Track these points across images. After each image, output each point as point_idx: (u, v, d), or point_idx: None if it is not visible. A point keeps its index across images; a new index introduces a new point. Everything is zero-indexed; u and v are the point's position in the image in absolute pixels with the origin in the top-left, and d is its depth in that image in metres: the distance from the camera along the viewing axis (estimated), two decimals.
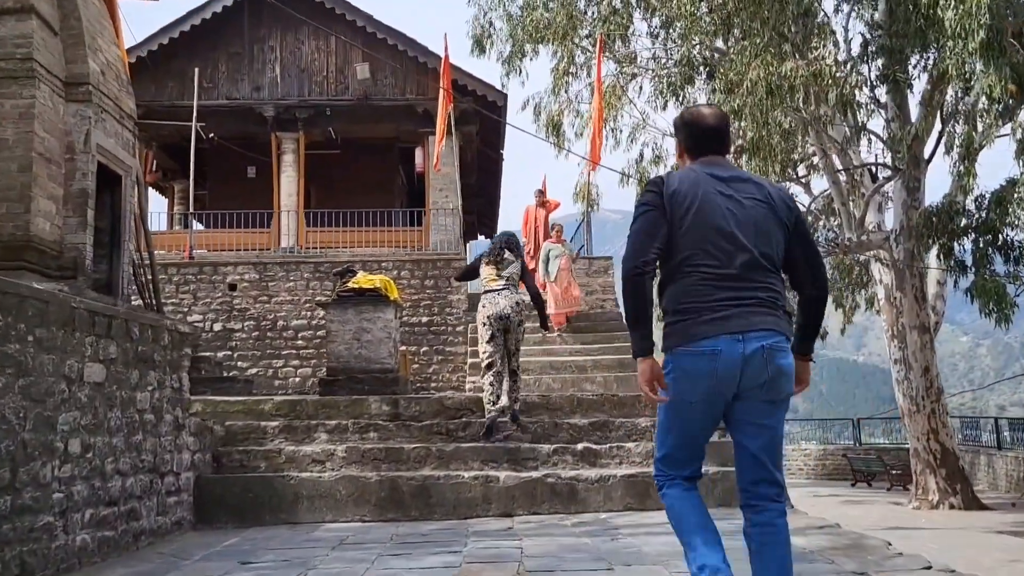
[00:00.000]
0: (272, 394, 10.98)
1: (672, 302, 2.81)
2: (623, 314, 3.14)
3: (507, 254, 7.73)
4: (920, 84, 14.77)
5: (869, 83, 14.69)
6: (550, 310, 11.30)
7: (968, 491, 15.17)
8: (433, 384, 14.10)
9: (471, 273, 8.20)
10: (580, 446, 7.20)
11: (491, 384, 7.35)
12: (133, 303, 10.81)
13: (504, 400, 7.36)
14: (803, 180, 19.76)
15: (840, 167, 15.97)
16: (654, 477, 2.95)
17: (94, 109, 9.40)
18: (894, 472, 19.45)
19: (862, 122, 14.35)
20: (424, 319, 14.63)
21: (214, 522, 6.51)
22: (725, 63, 14.04)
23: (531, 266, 13.03)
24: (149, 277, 10.74)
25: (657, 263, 2.82)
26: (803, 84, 12.32)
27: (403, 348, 12.26)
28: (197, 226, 19.00)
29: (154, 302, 10.52)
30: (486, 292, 7.57)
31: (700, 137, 2.97)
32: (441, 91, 13.96)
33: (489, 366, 7.39)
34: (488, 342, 7.41)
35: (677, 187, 2.80)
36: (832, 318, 22.18)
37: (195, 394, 9.12)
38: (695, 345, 2.71)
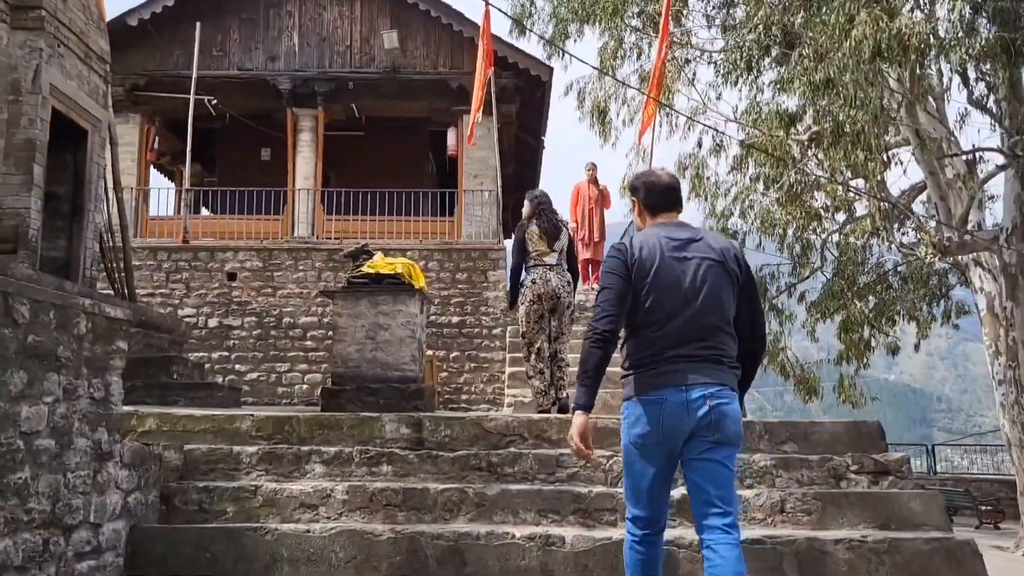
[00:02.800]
0: (257, 406, 8.93)
1: (631, 357, 3.20)
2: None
3: (556, 219, 6.94)
4: None
5: (977, 55, 12.55)
6: None
7: None
8: (464, 397, 12.04)
9: (520, 266, 6.84)
10: (676, 493, 5.09)
11: (539, 372, 6.78)
12: (101, 291, 8.89)
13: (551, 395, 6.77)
14: (879, 176, 17.39)
15: (938, 161, 13.73)
16: (627, 532, 3.28)
17: (48, 41, 7.45)
18: (984, 508, 17.09)
19: (980, 96, 12.14)
20: (455, 319, 12.56)
21: None
22: (815, 26, 11.90)
23: (585, 255, 10.99)
24: (121, 260, 8.81)
25: (621, 330, 3.20)
26: (920, 45, 10.15)
27: (430, 353, 10.25)
28: (204, 211, 17.18)
29: (125, 290, 8.58)
30: (535, 266, 6.68)
31: (657, 195, 3.33)
32: (480, 53, 11.94)
33: (531, 344, 6.78)
34: (535, 322, 6.74)
35: (638, 254, 3.15)
36: (907, 333, 19.91)
37: (163, 404, 7.15)
38: (646, 395, 3.09)
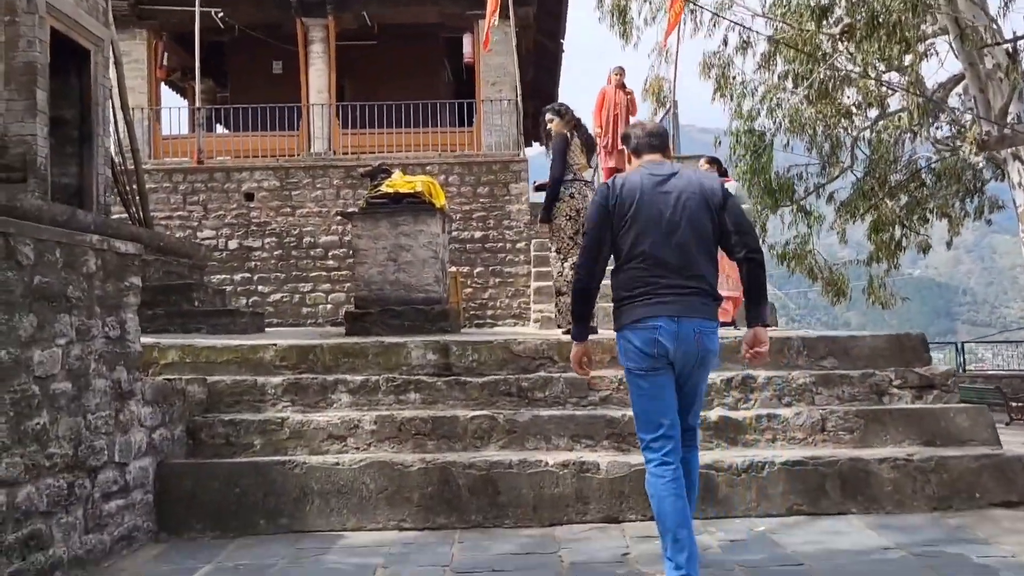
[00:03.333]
0: (281, 329, 8.79)
1: (621, 288, 3.35)
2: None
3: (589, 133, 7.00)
4: None
5: None
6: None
7: None
8: (490, 312, 11.92)
9: (561, 178, 6.53)
10: (712, 414, 4.96)
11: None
12: (116, 217, 8.72)
13: None
14: (910, 68, 16.57)
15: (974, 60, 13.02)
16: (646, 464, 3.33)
17: None
18: (1015, 403, 16.95)
19: None
20: (477, 234, 12.35)
21: (185, 530, 4.47)
22: None
23: (609, 163, 10.64)
24: (135, 184, 8.61)
25: (603, 272, 3.42)
26: None
27: (453, 269, 10.08)
28: (219, 129, 16.85)
29: (141, 214, 8.41)
30: (573, 181, 6.52)
31: (641, 138, 3.51)
32: None
33: (564, 260, 6.53)
34: (569, 238, 6.50)
35: (620, 191, 3.33)
36: (937, 229, 19.42)
37: (185, 332, 7.06)
38: (639, 323, 3.25)
